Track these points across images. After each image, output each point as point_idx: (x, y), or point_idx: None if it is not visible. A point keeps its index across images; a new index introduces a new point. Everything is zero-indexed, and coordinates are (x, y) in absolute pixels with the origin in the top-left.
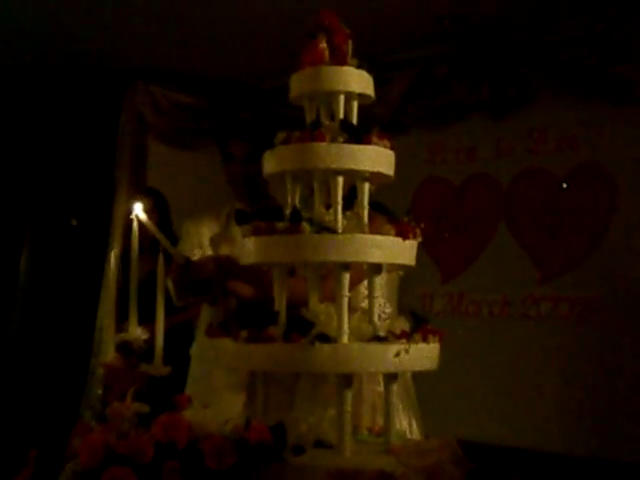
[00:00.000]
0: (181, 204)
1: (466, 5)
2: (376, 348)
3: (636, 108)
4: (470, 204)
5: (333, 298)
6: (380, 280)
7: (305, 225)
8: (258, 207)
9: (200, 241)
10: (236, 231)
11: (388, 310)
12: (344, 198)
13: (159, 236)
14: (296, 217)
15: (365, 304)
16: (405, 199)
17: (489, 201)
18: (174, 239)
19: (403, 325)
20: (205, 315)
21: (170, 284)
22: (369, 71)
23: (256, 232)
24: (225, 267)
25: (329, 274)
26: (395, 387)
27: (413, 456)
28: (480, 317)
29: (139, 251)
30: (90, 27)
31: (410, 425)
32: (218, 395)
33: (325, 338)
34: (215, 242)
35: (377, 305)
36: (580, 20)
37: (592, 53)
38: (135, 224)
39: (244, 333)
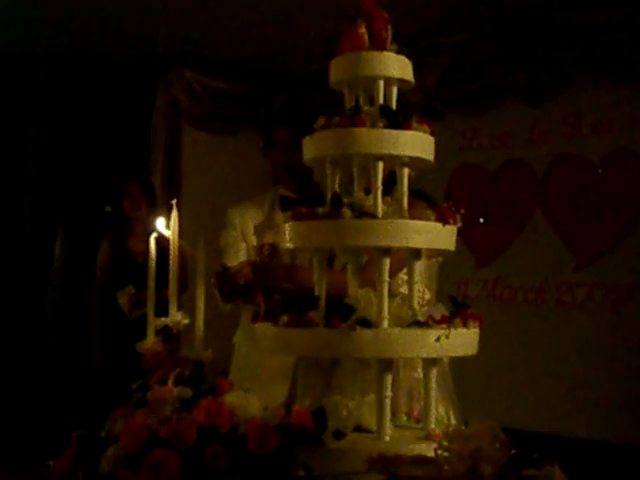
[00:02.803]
0: (216, 188)
1: None
2: (417, 333)
3: None
4: (505, 190)
5: (372, 284)
6: (419, 266)
7: (346, 210)
8: (303, 193)
9: (244, 231)
10: (280, 218)
11: (427, 296)
12: (383, 184)
13: (197, 254)
14: (337, 202)
15: (404, 289)
16: (440, 185)
17: (524, 187)
18: None
19: (442, 311)
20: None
21: (214, 289)
22: (408, 56)
23: (297, 217)
24: (261, 270)
25: (368, 264)
26: (434, 373)
27: (455, 441)
28: (515, 303)
29: (131, 231)
30: (126, 12)
31: (447, 412)
32: (261, 382)
33: (366, 323)
34: (259, 231)
35: (416, 291)
36: (615, 5)
37: (627, 38)
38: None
39: (285, 318)
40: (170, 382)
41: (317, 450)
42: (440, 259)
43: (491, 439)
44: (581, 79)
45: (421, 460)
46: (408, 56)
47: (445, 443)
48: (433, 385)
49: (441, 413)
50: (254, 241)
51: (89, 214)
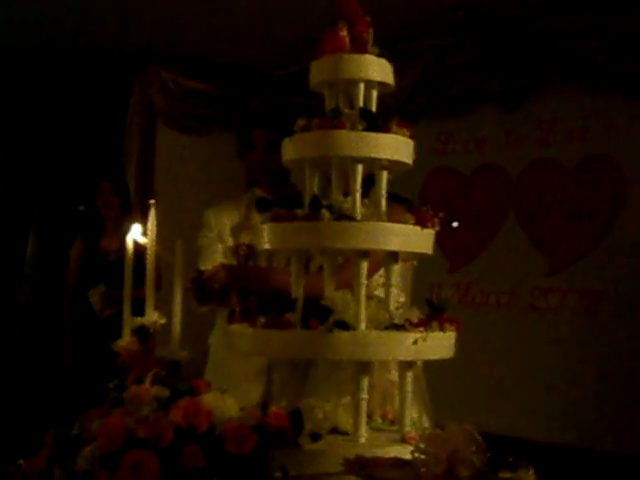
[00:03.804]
0: (189, 188)
1: None
2: (394, 336)
3: None
4: (479, 194)
5: (349, 286)
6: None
7: (324, 212)
8: (279, 195)
9: (221, 232)
10: (257, 219)
11: (401, 299)
12: (361, 186)
13: (175, 254)
14: (316, 204)
15: (379, 292)
16: (414, 188)
17: (498, 192)
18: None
19: (417, 315)
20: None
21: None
22: (389, 60)
23: (275, 219)
24: (236, 274)
25: (345, 264)
26: (410, 376)
27: (432, 444)
28: (488, 307)
29: (104, 230)
30: (104, 11)
31: (420, 415)
32: (236, 382)
33: (343, 325)
34: (236, 231)
35: (392, 294)
36: (590, 12)
37: (603, 45)
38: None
39: (262, 319)
40: (147, 382)
41: (293, 451)
42: (415, 262)
43: (468, 442)
44: (556, 85)
45: (398, 462)
46: (389, 59)
47: (422, 446)
48: (409, 388)
49: (414, 416)
50: (230, 242)
51: (62, 213)
